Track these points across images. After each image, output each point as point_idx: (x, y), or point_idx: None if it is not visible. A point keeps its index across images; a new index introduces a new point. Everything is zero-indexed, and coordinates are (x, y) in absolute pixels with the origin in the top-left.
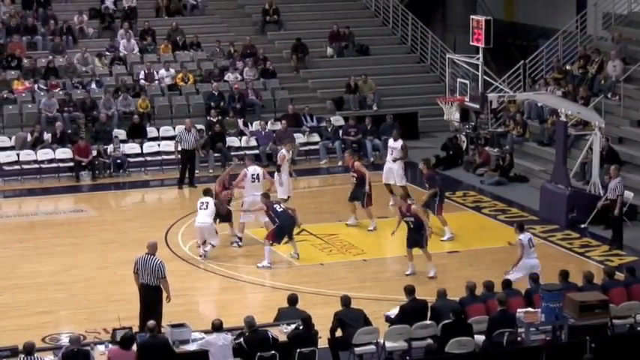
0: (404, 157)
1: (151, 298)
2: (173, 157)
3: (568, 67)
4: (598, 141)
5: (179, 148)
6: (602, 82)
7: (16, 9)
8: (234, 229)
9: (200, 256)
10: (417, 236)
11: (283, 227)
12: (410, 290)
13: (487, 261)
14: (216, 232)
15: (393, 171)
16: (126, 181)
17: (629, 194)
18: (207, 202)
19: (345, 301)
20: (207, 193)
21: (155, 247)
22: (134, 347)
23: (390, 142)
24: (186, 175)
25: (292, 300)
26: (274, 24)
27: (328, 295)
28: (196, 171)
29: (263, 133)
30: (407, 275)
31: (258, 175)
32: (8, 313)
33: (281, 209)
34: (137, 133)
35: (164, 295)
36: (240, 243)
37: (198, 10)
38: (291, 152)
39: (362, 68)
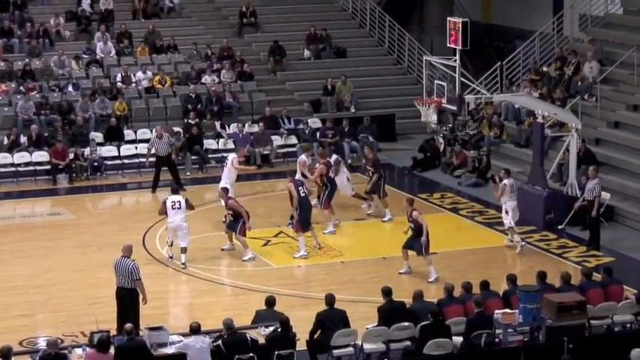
0: (337, 172)
1: (128, 301)
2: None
3: (545, 69)
4: (575, 142)
5: (152, 151)
6: (579, 83)
7: None
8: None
9: (170, 257)
10: (413, 241)
11: (305, 214)
12: (387, 292)
13: (465, 262)
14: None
15: (342, 184)
16: (103, 183)
17: (605, 195)
18: (180, 202)
19: (329, 300)
20: (176, 192)
21: (130, 249)
22: (111, 350)
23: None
24: (160, 180)
25: (270, 302)
26: (251, 26)
27: (306, 297)
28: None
29: (240, 135)
30: (400, 274)
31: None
32: None
33: (304, 193)
34: (114, 136)
35: (140, 297)
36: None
37: (175, 13)
38: (310, 158)
39: (339, 70)
